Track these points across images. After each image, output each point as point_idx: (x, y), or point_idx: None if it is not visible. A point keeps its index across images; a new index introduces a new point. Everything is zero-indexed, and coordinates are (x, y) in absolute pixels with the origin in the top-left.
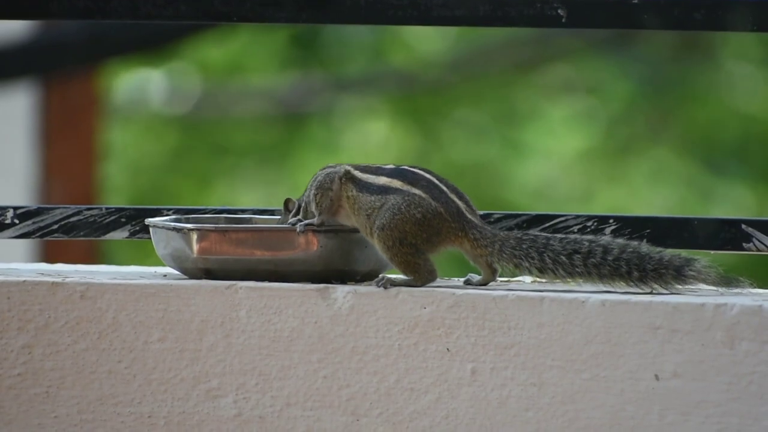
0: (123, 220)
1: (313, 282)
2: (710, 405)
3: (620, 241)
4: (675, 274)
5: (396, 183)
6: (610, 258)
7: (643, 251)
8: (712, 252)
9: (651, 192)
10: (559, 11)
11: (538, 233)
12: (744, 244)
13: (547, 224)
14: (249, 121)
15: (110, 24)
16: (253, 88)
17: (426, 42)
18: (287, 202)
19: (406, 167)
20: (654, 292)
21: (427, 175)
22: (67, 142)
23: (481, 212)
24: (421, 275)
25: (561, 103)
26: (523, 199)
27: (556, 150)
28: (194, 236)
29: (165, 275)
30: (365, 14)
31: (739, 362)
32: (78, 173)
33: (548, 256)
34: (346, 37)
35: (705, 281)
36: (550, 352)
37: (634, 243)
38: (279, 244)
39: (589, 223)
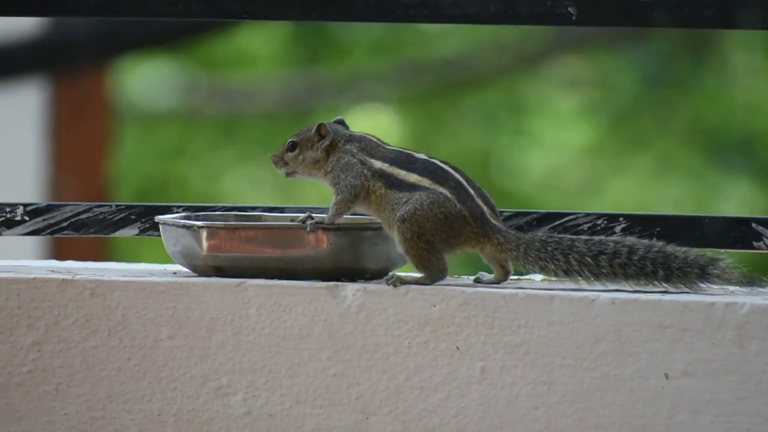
0: (133, 217)
1: (322, 280)
2: (720, 404)
3: (644, 241)
4: (699, 273)
5: (425, 182)
6: (635, 258)
7: (669, 251)
8: (722, 250)
9: (658, 186)
10: (569, 9)
11: (563, 235)
12: (754, 243)
13: (557, 222)
14: (257, 116)
15: (120, 21)
16: (261, 82)
17: (437, 35)
18: (320, 127)
19: (437, 162)
20: (668, 291)
21: (457, 175)
22: (77, 138)
23: None
24: (432, 273)
25: (568, 95)
26: (529, 190)
27: (563, 142)
28: (204, 234)
29: (175, 273)
30: (375, 12)
31: (749, 361)
32: (88, 169)
33: (573, 257)
34: (355, 28)
35: (729, 281)
36: (559, 350)
37: (659, 243)
38: (289, 242)
39: (599, 221)
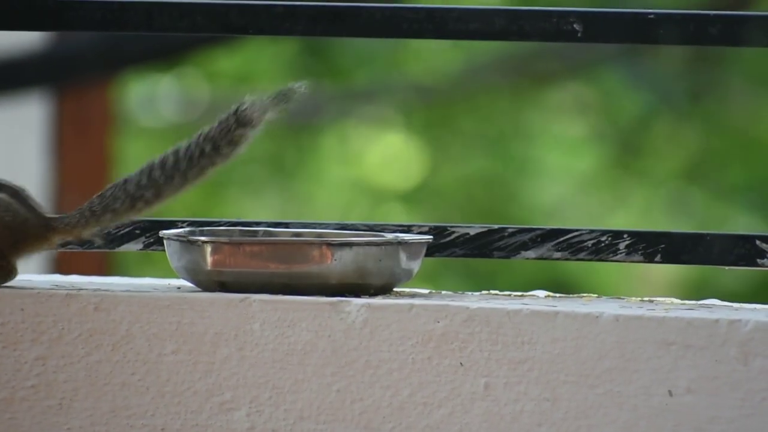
0: (137, 232)
1: (326, 295)
2: (723, 421)
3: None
4: (236, 120)
5: None
6: (182, 153)
7: (205, 130)
8: (727, 268)
9: (663, 215)
10: (575, 26)
11: (116, 180)
12: (758, 260)
13: (561, 238)
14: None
15: (125, 35)
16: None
17: (439, 53)
18: None
19: None
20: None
21: (9, 182)
22: (80, 152)
23: (494, 226)
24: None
25: (572, 119)
26: (532, 218)
27: (567, 169)
28: (208, 249)
29: (179, 288)
30: (381, 27)
31: (753, 378)
32: (91, 183)
33: (131, 187)
34: (359, 46)
35: (264, 110)
36: (563, 367)
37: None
38: (293, 257)
39: (603, 238)
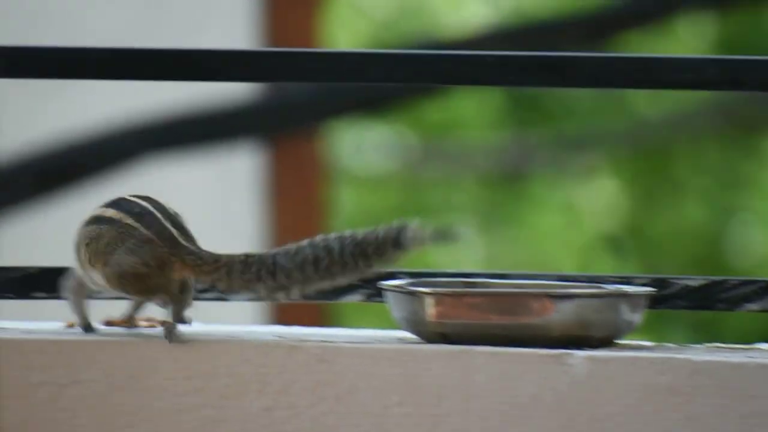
0: (358, 283)
1: (547, 347)
2: None
3: (333, 235)
4: (394, 243)
5: (110, 212)
6: (336, 256)
7: (359, 238)
8: None
9: None
10: None
11: (261, 252)
12: None
13: None
14: (469, 180)
15: (337, 85)
16: (472, 145)
17: (648, 100)
18: None
19: (124, 196)
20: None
21: (144, 203)
22: (293, 202)
23: (717, 278)
24: (168, 296)
25: None
26: (746, 268)
27: None
28: (429, 300)
29: (401, 339)
30: (593, 77)
31: None
32: (305, 233)
33: (280, 274)
34: (568, 93)
35: (420, 242)
36: None
37: (348, 233)
38: (514, 309)
39: None
